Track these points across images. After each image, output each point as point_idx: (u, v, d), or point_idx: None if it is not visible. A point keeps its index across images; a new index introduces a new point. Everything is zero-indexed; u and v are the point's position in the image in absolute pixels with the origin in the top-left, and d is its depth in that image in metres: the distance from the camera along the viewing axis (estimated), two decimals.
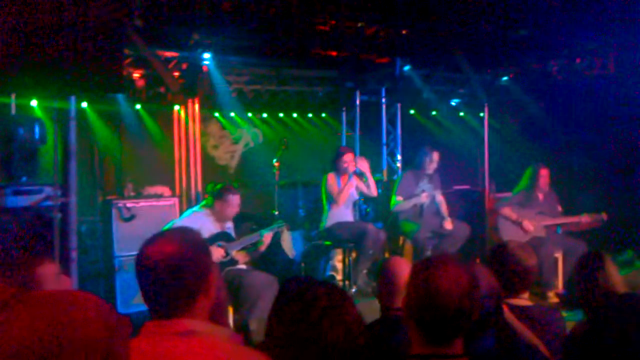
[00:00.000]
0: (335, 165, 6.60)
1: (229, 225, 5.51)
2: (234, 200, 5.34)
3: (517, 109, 9.13)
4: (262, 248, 5.55)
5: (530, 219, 6.84)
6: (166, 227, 4.88)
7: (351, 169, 6.50)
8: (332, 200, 6.55)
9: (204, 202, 5.53)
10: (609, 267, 2.98)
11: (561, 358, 2.71)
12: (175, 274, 1.63)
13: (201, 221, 5.22)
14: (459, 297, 1.82)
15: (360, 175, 6.55)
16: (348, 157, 6.54)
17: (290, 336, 1.71)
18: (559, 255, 6.72)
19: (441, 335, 1.85)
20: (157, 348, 1.57)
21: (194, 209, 5.62)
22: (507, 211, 6.92)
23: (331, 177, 6.57)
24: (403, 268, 2.89)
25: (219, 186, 5.52)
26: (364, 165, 6.57)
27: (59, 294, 1.01)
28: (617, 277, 2.99)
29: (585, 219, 6.88)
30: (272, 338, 1.76)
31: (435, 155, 7.03)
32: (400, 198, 6.97)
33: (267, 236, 5.54)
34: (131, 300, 6.01)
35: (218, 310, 1.74)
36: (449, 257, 1.96)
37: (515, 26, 7.12)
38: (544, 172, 6.90)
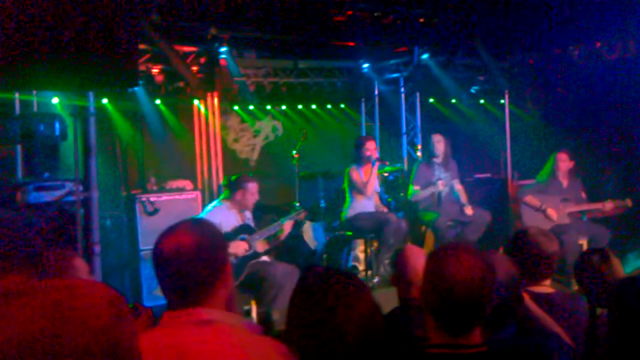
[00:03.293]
0: (357, 155, 6.61)
1: (249, 217, 5.54)
2: (253, 188, 5.38)
3: (539, 95, 9.00)
4: (282, 236, 5.56)
5: (554, 206, 6.76)
6: None
7: (374, 155, 6.51)
8: (356, 192, 6.55)
9: (222, 196, 5.56)
10: (613, 260, 2.95)
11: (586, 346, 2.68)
12: (192, 264, 1.65)
13: (223, 215, 5.25)
14: (472, 285, 1.80)
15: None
16: (370, 145, 6.55)
17: (307, 323, 1.72)
18: (583, 242, 6.64)
19: (457, 324, 1.83)
20: (175, 337, 1.59)
21: (214, 203, 5.65)
22: (530, 198, 6.85)
23: (354, 171, 6.56)
24: (416, 257, 2.88)
25: (234, 177, 5.55)
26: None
27: (66, 282, 1.02)
28: (621, 269, 2.96)
29: (609, 205, 6.77)
30: (291, 325, 1.78)
31: (436, 137, 7.02)
32: (417, 187, 6.96)
33: (287, 224, 5.56)
34: (157, 292, 6.08)
35: (230, 299, 1.75)
36: (463, 246, 1.94)
37: (535, 11, 7.01)
38: (562, 157, 6.80)
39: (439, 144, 6.99)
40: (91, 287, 1.02)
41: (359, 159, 6.57)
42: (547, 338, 2.56)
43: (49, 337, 0.91)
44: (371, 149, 6.52)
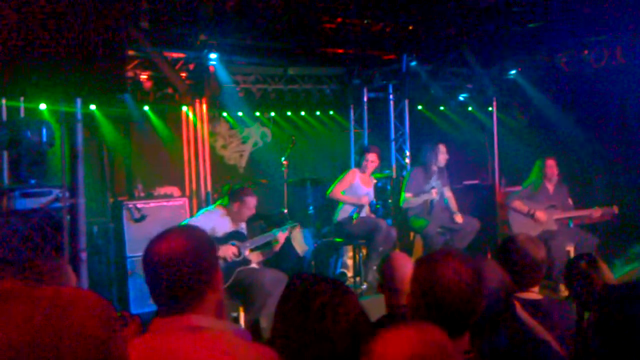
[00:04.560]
0: (359, 161, 6.73)
1: (243, 226, 5.53)
2: (251, 203, 5.37)
3: (526, 102, 9.07)
4: (277, 247, 5.57)
5: (542, 212, 6.81)
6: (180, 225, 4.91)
7: (370, 169, 6.54)
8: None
9: (219, 202, 5.54)
10: (601, 265, 2.96)
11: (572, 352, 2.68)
12: (183, 270, 1.65)
13: (215, 220, 5.25)
14: (461, 292, 1.80)
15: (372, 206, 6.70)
16: (371, 157, 6.62)
17: (295, 330, 1.72)
18: (570, 248, 6.68)
19: (446, 331, 1.83)
20: (165, 344, 1.58)
21: (209, 207, 5.64)
22: (518, 204, 6.88)
23: (351, 173, 6.65)
24: (403, 264, 2.88)
25: (236, 187, 5.54)
26: None
27: (57, 290, 1.02)
28: (609, 274, 2.98)
29: (596, 212, 6.83)
30: (278, 332, 1.77)
31: (443, 147, 7.03)
32: (409, 195, 6.96)
33: (281, 235, 5.56)
34: (144, 300, 6.04)
35: (219, 305, 1.75)
36: (451, 252, 1.95)
37: (522, 19, 7.07)
38: (551, 163, 6.87)
39: (443, 155, 7.02)
40: (83, 295, 1.03)
41: (360, 167, 6.66)
42: (537, 345, 2.56)
43: (48, 342, 0.91)
44: (370, 160, 6.61)
